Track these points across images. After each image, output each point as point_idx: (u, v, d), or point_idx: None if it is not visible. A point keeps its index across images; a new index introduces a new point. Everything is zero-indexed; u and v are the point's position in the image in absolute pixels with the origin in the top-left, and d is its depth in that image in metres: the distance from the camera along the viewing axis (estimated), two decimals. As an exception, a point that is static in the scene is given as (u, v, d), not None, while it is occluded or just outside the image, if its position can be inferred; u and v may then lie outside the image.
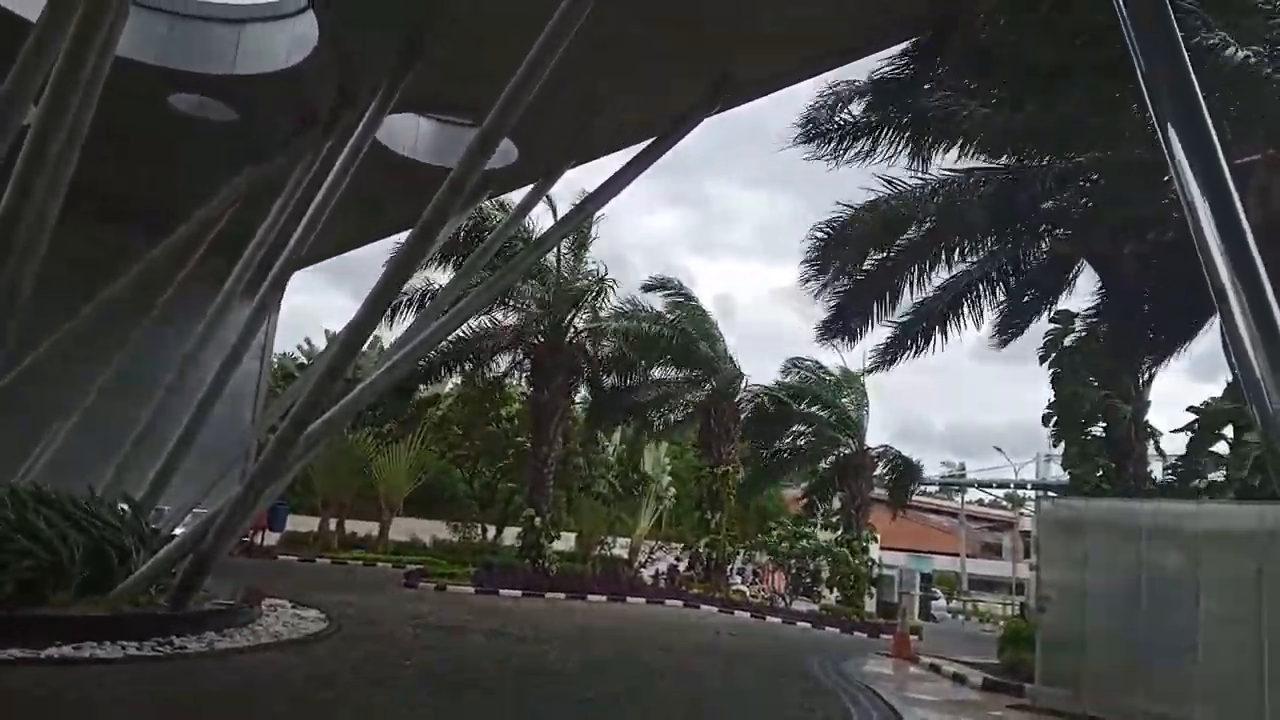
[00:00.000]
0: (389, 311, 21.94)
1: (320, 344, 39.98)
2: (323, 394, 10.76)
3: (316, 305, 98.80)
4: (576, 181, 74.51)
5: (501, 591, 21.72)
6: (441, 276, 24.57)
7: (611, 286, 26.94)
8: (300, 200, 13.66)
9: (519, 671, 10.89)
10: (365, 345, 14.61)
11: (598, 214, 25.08)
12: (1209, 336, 17.80)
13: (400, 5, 10.54)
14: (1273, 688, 9.64)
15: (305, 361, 38.71)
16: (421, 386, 29.31)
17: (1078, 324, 17.08)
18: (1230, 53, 11.00)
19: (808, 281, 19.42)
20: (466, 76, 11.54)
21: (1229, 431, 14.52)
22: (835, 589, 27.78)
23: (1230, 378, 14.27)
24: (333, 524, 32.12)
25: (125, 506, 11.96)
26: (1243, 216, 4.30)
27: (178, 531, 12.83)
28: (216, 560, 11.27)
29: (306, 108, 14.48)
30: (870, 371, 21.46)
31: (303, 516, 32.14)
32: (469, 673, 10.61)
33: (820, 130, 16.07)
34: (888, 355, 20.36)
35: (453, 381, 29.75)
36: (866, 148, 16.02)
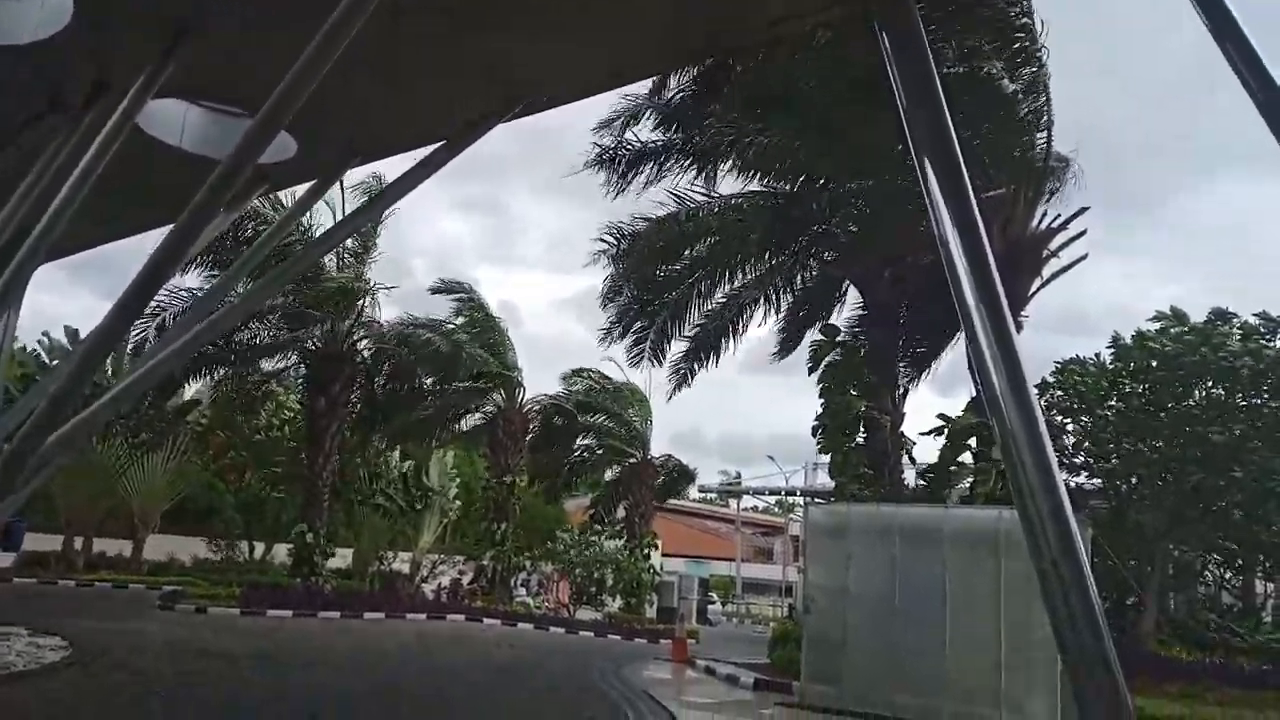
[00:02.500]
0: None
1: (64, 340, 36.20)
2: (67, 400, 9.73)
3: (59, 304, 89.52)
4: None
5: (270, 612, 20.46)
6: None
7: (381, 290, 26.12)
8: (48, 187, 12.33)
9: (279, 697, 10.27)
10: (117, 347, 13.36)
11: (385, 214, 24.42)
12: (950, 353, 19.60)
13: (166, -19, 9.69)
14: (1008, 673, 10.65)
15: (49, 361, 34.95)
16: (185, 388, 27.19)
17: (844, 339, 18.27)
18: (1004, 83, 12.20)
19: (606, 298, 19.77)
20: (241, 64, 10.80)
21: (975, 443, 15.97)
22: (619, 597, 28.18)
23: (974, 393, 15.72)
24: (79, 543, 29.12)
25: None
26: (987, 245, 4.71)
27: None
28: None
29: (58, 87, 13.12)
30: (677, 389, 21.89)
31: (44, 535, 28.89)
32: (229, 701, 9.89)
33: (610, 157, 16.59)
34: (681, 370, 20.95)
35: (216, 385, 27.65)
36: (653, 172, 16.65)
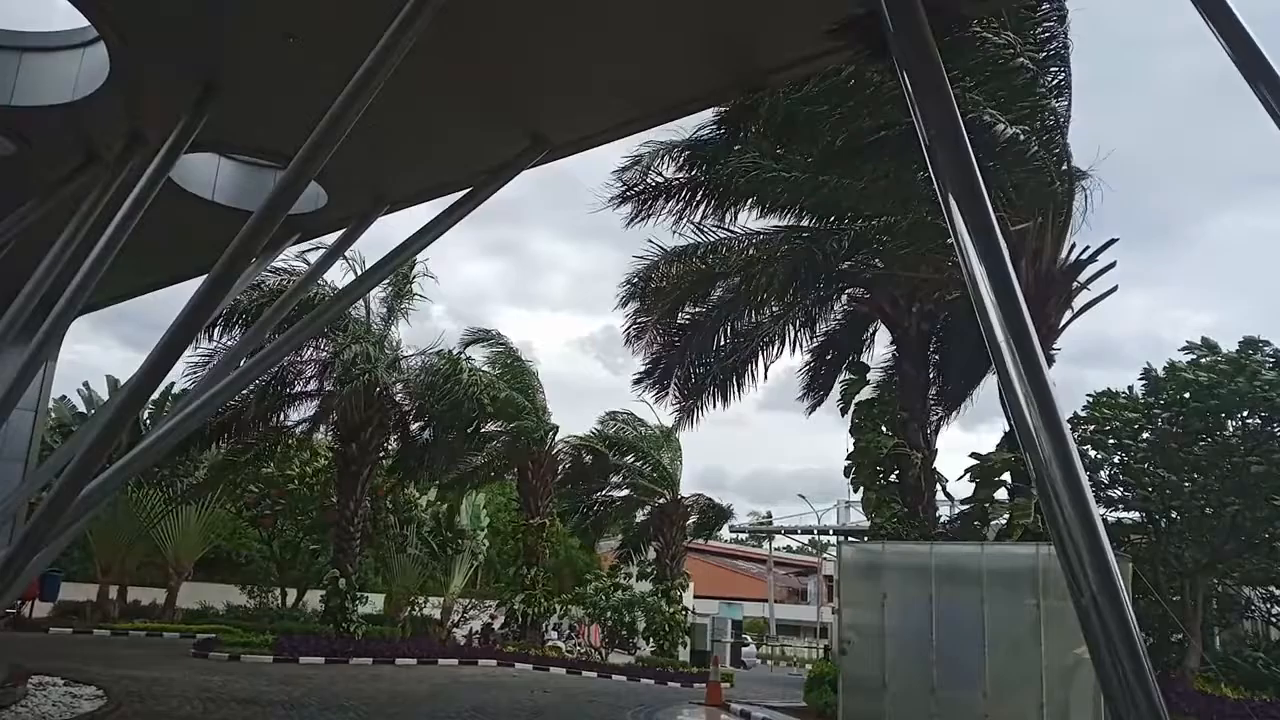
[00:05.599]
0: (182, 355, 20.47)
1: (101, 390, 36.80)
2: (103, 450, 9.86)
3: (89, 353, 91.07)
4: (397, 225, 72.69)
5: (302, 659, 20.45)
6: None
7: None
8: (84, 241, 12.60)
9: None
10: (154, 395, 13.52)
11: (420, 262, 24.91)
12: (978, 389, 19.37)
13: (198, 42, 10.01)
14: (1050, 713, 10.40)
15: (85, 411, 35.51)
16: (217, 442, 27.43)
17: (874, 377, 18.15)
18: (1001, 129, 12.17)
19: (628, 335, 19.82)
20: (270, 118, 11.06)
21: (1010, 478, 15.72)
22: (651, 639, 27.92)
23: (1007, 428, 15.51)
24: (113, 592, 29.36)
25: None
26: (1014, 278, 4.69)
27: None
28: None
29: (94, 143, 13.45)
30: (673, 430, 21.79)
31: (79, 584, 29.22)
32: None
33: (634, 193, 16.72)
34: (687, 408, 20.82)
35: (248, 436, 27.88)
36: (676, 209, 16.76)
